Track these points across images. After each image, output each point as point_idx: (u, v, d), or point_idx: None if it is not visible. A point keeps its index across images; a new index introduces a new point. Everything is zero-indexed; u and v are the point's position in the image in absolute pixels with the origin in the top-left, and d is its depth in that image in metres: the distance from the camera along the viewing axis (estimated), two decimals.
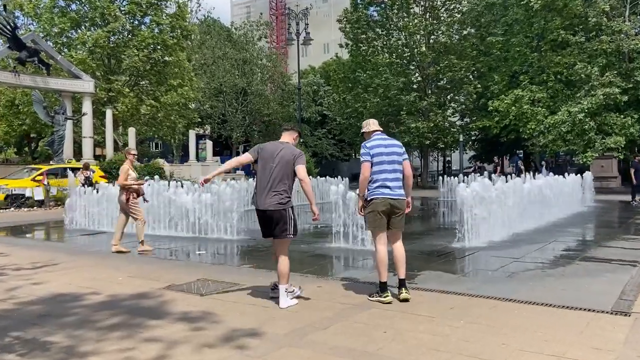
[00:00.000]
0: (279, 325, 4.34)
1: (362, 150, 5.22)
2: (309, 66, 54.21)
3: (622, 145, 24.36)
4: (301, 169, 4.96)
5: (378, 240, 5.14)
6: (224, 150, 50.97)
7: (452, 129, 34.73)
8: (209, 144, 33.98)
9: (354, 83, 35.21)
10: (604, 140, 24.76)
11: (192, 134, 31.58)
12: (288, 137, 5.26)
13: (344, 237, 8.74)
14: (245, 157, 5.25)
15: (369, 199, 5.10)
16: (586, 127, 24.84)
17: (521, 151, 47.94)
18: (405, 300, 4.99)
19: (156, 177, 17.76)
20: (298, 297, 5.18)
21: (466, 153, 45.14)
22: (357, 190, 5.39)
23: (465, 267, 7.12)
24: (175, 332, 4.18)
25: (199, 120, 40.68)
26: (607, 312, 4.59)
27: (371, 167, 5.09)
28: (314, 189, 19.86)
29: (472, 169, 35.86)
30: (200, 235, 10.27)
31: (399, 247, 5.18)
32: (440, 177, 23.71)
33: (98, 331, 4.27)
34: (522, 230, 10.10)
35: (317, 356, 3.58)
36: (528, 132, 28.16)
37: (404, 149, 5.32)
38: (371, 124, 5.38)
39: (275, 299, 5.09)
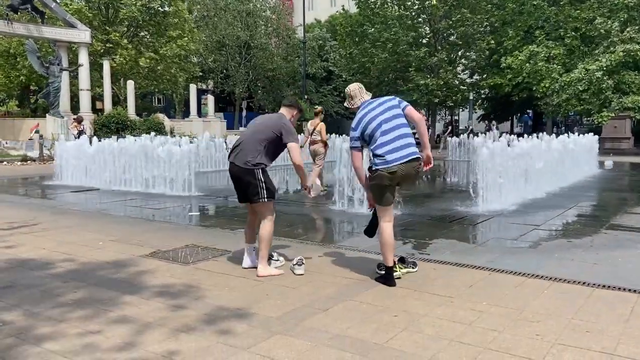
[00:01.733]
0: (272, 304, 3.73)
1: (350, 134, 4.27)
2: (314, 19, 52.28)
3: None
4: (293, 149, 4.39)
5: (383, 216, 4.24)
6: (227, 106, 50.04)
7: (462, 87, 33.58)
8: (210, 99, 33.00)
9: (361, 37, 33.85)
10: (621, 100, 23.70)
11: (192, 88, 30.60)
12: (287, 112, 4.66)
13: (348, 200, 8.12)
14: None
15: (374, 168, 4.16)
16: (603, 85, 23.72)
17: (530, 111, 46.87)
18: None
19: (152, 133, 17.08)
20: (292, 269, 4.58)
21: (475, 112, 43.94)
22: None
23: (481, 235, 6.50)
24: (150, 312, 3.58)
25: (201, 74, 39.59)
26: None
27: (363, 147, 4.25)
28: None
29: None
30: (199, 194, 9.67)
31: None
32: (448, 137, 22.90)
33: (62, 308, 3.67)
34: (537, 195, 9.44)
35: (314, 349, 2.97)
36: (541, 90, 27.06)
37: (398, 98, 4.33)
38: (356, 96, 4.33)
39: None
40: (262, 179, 4.41)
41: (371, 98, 4.41)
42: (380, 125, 4.14)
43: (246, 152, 4.40)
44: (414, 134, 4.28)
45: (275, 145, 4.48)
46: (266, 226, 4.46)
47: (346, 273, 4.54)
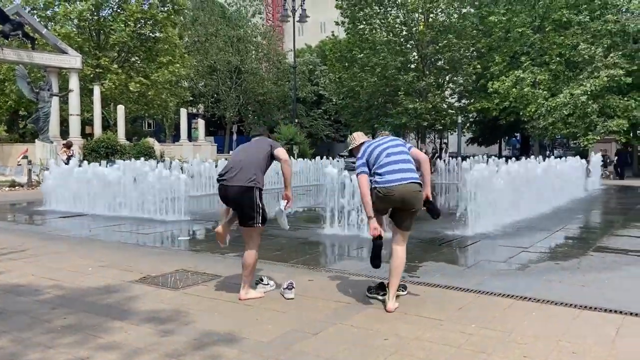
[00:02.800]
0: (263, 329, 3.74)
1: (356, 163, 4.35)
2: (305, 45, 53.00)
3: (625, 129, 23.74)
4: (281, 152, 4.53)
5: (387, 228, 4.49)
6: (217, 130, 50.15)
7: (450, 110, 34.04)
8: (201, 123, 33.10)
9: (350, 62, 34.30)
10: (605, 123, 24.12)
11: (183, 112, 30.71)
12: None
13: (338, 223, 8.15)
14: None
15: (372, 186, 4.19)
16: (588, 109, 24.16)
17: (518, 134, 47.49)
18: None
19: (141, 159, 17.10)
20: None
21: (464, 135, 44.49)
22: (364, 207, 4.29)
23: (470, 257, 6.57)
24: (139, 338, 3.57)
25: (192, 98, 39.84)
26: (636, 315, 4.01)
27: (369, 174, 4.24)
28: (309, 170, 19.39)
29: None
30: (190, 218, 9.65)
31: (401, 254, 4.30)
32: (439, 160, 23.15)
33: (51, 334, 3.65)
34: (525, 216, 9.56)
35: None
36: (528, 114, 27.49)
37: (404, 141, 4.50)
38: (357, 137, 4.58)
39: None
40: (260, 204, 4.42)
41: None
42: (385, 150, 4.27)
43: (247, 171, 4.37)
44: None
45: (267, 162, 4.56)
46: (252, 253, 4.49)
47: (337, 296, 4.56)
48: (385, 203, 4.19)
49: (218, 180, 4.53)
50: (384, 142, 4.38)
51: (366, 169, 4.27)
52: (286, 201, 4.62)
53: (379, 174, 4.19)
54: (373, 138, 4.62)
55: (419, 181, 4.22)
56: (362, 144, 4.51)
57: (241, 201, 4.38)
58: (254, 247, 4.49)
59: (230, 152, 36.09)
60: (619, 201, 14.37)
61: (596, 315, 4.03)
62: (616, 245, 7.10)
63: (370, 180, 4.24)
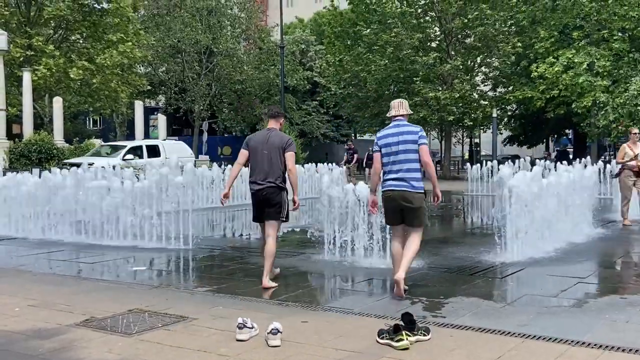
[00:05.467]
0: None
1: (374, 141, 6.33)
2: (295, 18, 53.39)
3: None
4: (290, 157, 6.57)
5: (392, 235, 6.34)
6: (183, 127, 50.21)
7: (482, 102, 34.19)
8: (162, 119, 33.15)
9: (354, 40, 34.49)
10: None
11: (138, 106, 30.74)
12: (275, 124, 6.86)
13: (339, 247, 8.16)
14: (242, 156, 6.75)
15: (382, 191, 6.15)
16: None
17: (570, 131, 47.86)
18: (405, 348, 4.37)
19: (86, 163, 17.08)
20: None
21: (500, 133, 44.68)
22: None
23: (510, 291, 6.59)
24: None
25: (150, 88, 39.87)
26: None
27: (381, 158, 6.13)
28: (301, 180, 19.41)
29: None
30: (141, 244, 9.63)
31: (408, 245, 6.04)
32: (468, 165, 23.23)
33: None
34: (580, 238, 9.60)
35: None
36: (583, 107, 27.69)
37: (420, 133, 6.09)
38: (393, 107, 6.30)
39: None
40: (287, 200, 6.61)
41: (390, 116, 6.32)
42: (391, 153, 6.08)
43: (274, 173, 6.50)
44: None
45: (284, 161, 6.60)
46: (273, 244, 6.60)
47: (338, 343, 4.54)
48: (389, 200, 6.20)
49: (251, 182, 6.65)
50: (396, 136, 6.11)
51: (377, 149, 6.25)
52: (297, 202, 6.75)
53: (384, 179, 6.22)
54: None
55: (412, 189, 6.02)
56: (393, 117, 6.26)
57: (273, 200, 6.52)
58: (274, 239, 6.62)
59: (200, 155, 36.15)
60: None
61: None
62: None
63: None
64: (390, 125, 6.21)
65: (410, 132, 6.04)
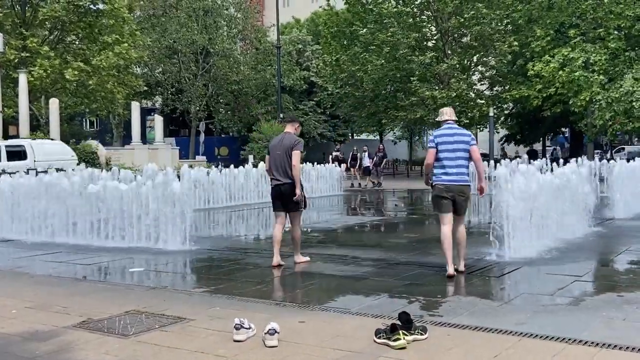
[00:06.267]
0: None
1: (429, 138, 7.36)
2: (292, 18, 53.37)
3: None
4: (295, 155, 7.57)
5: (442, 221, 7.09)
6: (180, 128, 50.21)
7: (479, 100, 34.21)
8: (158, 120, 33.19)
9: (351, 40, 34.47)
10: None
11: (135, 107, 30.78)
12: (290, 128, 8.01)
13: (337, 245, 8.18)
14: (266, 161, 8.02)
15: (433, 184, 7.07)
16: None
17: (567, 129, 47.91)
18: (402, 347, 4.39)
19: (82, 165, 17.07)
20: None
21: (497, 132, 44.70)
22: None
23: (507, 289, 6.63)
24: None
25: (146, 88, 39.85)
26: None
27: (436, 153, 6.98)
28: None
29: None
30: (138, 245, 9.63)
31: (461, 230, 7.16)
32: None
33: None
34: (576, 235, 9.64)
35: None
36: (579, 104, 27.71)
37: (472, 136, 7.15)
38: (444, 113, 7.31)
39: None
40: (303, 193, 7.67)
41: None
42: (447, 149, 6.99)
43: (288, 171, 7.55)
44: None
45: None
46: (298, 230, 7.86)
47: (335, 343, 4.55)
48: (443, 192, 7.06)
49: (271, 179, 7.79)
50: (451, 137, 7.10)
51: (434, 145, 7.08)
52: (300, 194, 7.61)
53: (438, 172, 7.12)
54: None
55: (464, 182, 7.11)
56: (445, 121, 7.21)
57: (290, 194, 7.54)
58: (298, 226, 7.87)
59: (197, 157, 36.15)
60: None
61: None
62: None
63: (434, 173, 7.21)
64: (444, 127, 7.16)
65: (464, 134, 7.13)
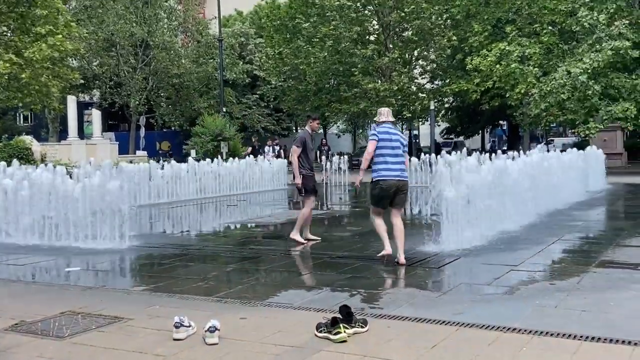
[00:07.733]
0: None
1: (370, 132, 7.66)
2: (234, 10, 52.87)
3: (633, 115, 24.76)
4: (291, 150, 9.06)
5: (375, 213, 7.42)
6: (119, 123, 49.08)
7: (420, 94, 34.79)
8: (96, 114, 32.28)
9: (293, 33, 34.55)
10: (609, 108, 25.22)
11: (72, 101, 29.85)
12: (307, 125, 9.35)
13: (282, 239, 8.16)
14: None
15: (374, 179, 7.31)
16: (589, 91, 25.12)
17: (504, 122, 49.24)
18: (342, 341, 4.44)
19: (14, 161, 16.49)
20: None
21: (438, 125, 45.57)
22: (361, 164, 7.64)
23: (446, 280, 6.75)
24: None
25: (83, 82, 38.74)
26: None
27: (377, 149, 7.26)
28: (242, 175, 19.43)
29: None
30: (72, 244, 9.37)
31: (399, 224, 7.34)
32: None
33: None
34: (513, 226, 9.87)
35: None
36: (516, 97, 28.48)
37: (407, 141, 7.69)
38: (382, 114, 7.60)
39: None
40: (305, 182, 8.98)
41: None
42: (387, 146, 7.29)
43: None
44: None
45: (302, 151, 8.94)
46: (304, 210, 9.05)
47: (277, 339, 4.55)
48: (386, 187, 7.26)
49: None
50: (390, 135, 7.40)
51: (376, 138, 7.35)
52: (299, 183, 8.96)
53: (379, 168, 7.35)
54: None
55: (405, 178, 7.54)
56: (384, 122, 7.46)
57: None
58: (306, 207, 9.01)
59: (137, 152, 35.40)
60: (627, 204, 15.10)
61: (600, 348, 4.21)
62: (623, 258, 7.46)
63: (373, 169, 7.46)
64: (385, 125, 7.44)
65: (401, 136, 7.59)
